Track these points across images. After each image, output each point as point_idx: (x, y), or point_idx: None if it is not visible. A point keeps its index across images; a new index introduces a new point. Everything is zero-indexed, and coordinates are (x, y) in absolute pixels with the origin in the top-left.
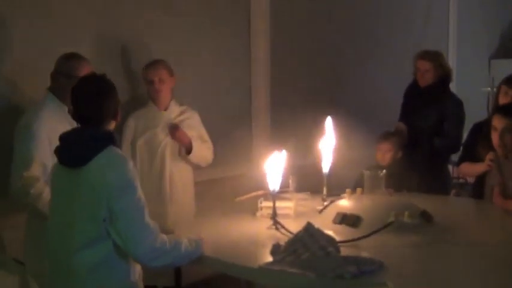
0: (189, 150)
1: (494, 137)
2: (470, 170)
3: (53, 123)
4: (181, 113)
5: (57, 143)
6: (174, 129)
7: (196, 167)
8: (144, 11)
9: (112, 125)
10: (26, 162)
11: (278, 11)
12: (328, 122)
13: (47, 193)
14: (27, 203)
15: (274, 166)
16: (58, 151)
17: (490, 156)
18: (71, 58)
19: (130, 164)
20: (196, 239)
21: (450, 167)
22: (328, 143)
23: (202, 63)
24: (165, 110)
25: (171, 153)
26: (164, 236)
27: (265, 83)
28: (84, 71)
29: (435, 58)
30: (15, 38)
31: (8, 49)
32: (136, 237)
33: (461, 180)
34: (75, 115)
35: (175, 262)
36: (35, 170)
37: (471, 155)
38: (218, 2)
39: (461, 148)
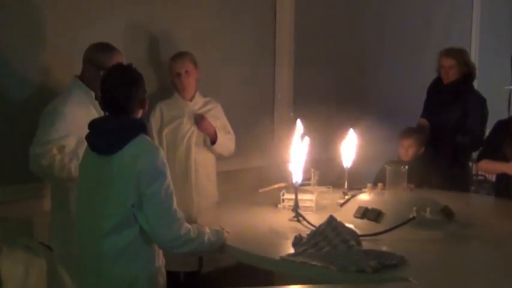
0: (213, 141)
1: None
2: (492, 168)
3: (79, 109)
4: (205, 104)
5: (82, 127)
6: (200, 119)
7: (219, 157)
8: (171, 2)
9: (139, 114)
10: (40, 141)
11: (303, 3)
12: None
13: (58, 159)
14: (44, 175)
15: (296, 158)
16: (89, 138)
17: None
18: (103, 50)
19: (161, 152)
20: (218, 229)
21: (470, 164)
22: (351, 138)
23: (227, 55)
24: (191, 100)
25: (196, 143)
26: (188, 225)
27: (288, 75)
28: (114, 61)
29: (459, 55)
30: (46, 27)
31: (39, 38)
32: (163, 224)
33: (480, 177)
34: (104, 103)
35: (198, 250)
36: (48, 147)
37: (492, 152)
38: None
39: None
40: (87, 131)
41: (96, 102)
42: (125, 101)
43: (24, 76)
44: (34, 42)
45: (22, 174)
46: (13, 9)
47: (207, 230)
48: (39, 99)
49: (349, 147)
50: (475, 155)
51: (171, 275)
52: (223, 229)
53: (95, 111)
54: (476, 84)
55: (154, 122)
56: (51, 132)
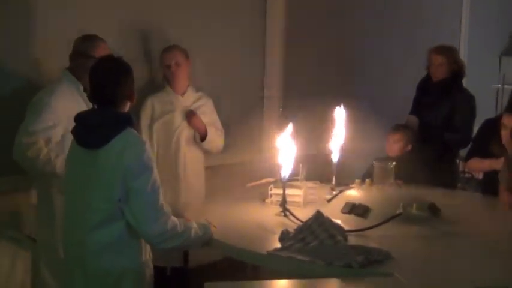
0: (203, 137)
1: (504, 135)
2: (480, 166)
3: (67, 100)
4: (197, 99)
5: (69, 118)
6: (191, 116)
7: (206, 152)
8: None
9: (127, 107)
10: (26, 131)
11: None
12: (339, 112)
13: (44, 153)
14: (28, 166)
15: (285, 154)
16: (75, 132)
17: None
18: (88, 38)
19: (148, 146)
20: (205, 224)
21: (458, 161)
22: (339, 133)
23: (217, 51)
24: (182, 95)
25: (186, 138)
26: (175, 219)
27: (278, 71)
28: (100, 51)
29: (449, 53)
30: (35, 19)
31: (29, 31)
32: (149, 218)
33: (467, 175)
34: (93, 96)
35: (185, 245)
36: (33, 138)
37: (480, 150)
38: None
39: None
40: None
41: (85, 95)
42: (112, 93)
43: (12, 68)
44: (23, 34)
45: (9, 166)
46: (1, 1)
47: (194, 224)
48: (27, 90)
49: (337, 142)
50: (462, 152)
51: (157, 270)
52: (210, 223)
53: (83, 104)
54: (465, 82)
55: (144, 117)
56: (38, 123)
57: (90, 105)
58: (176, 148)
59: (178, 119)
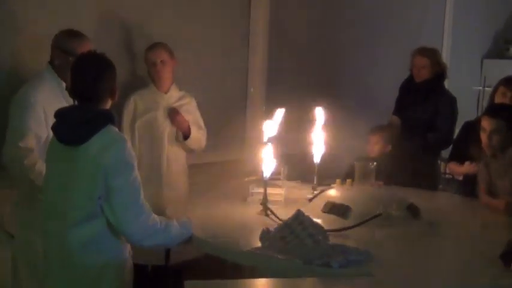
0: (186, 136)
1: (483, 137)
2: (457, 170)
3: (50, 97)
4: (181, 98)
5: (51, 116)
6: (174, 114)
7: (190, 151)
8: None
9: (108, 104)
10: (20, 133)
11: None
12: (320, 112)
13: (39, 165)
14: (20, 174)
15: (267, 153)
16: (55, 128)
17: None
18: (73, 36)
19: (128, 143)
20: (185, 220)
21: (439, 162)
22: (320, 133)
23: (201, 49)
24: (166, 93)
25: (169, 137)
26: (156, 217)
27: (261, 70)
28: (83, 49)
29: (432, 55)
30: (18, 13)
31: (11, 24)
32: (129, 216)
33: (448, 176)
34: (74, 92)
35: (166, 243)
36: (29, 141)
37: (460, 152)
38: None
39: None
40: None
41: (66, 93)
42: (94, 89)
43: None
44: (4, 26)
45: None
46: None
47: (175, 222)
48: (9, 83)
49: (319, 142)
50: (444, 153)
51: (138, 268)
52: (190, 220)
53: (64, 101)
54: (447, 83)
55: (127, 114)
56: (28, 118)
57: (72, 103)
58: (159, 146)
59: (162, 117)
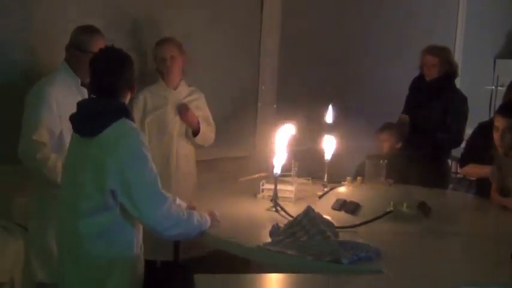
0: (195, 132)
1: (495, 136)
2: (476, 172)
3: (64, 93)
4: (190, 93)
5: (65, 111)
6: (183, 110)
7: (198, 147)
8: None
9: (127, 97)
10: (34, 127)
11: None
12: (331, 110)
13: (52, 159)
14: (33, 167)
15: (278, 149)
16: (73, 119)
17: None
18: (86, 32)
19: (143, 135)
20: (203, 214)
21: (450, 161)
22: (330, 131)
23: (212, 45)
24: (175, 89)
25: (178, 133)
26: (178, 205)
27: (273, 67)
28: (98, 45)
29: (443, 53)
30: (34, 13)
31: (27, 24)
32: (151, 204)
33: (459, 175)
34: (93, 86)
35: (188, 232)
36: (43, 136)
37: (473, 154)
38: None
39: (463, 144)
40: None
41: (82, 88)
42: (113, 84)
43: (9, 57)
44: (19, 23)
45: (2, 155)
46: None
47: (195, 211)
48: (25, 80)
49: (330, 140)
50: (454, 152)
51: (147, 264)
52: (212, 214)
53: (79, 96)
54: (459, 83)
55: (136, 111)
56: (42, 112)
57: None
58: (168, 144)
59: (171, 113)
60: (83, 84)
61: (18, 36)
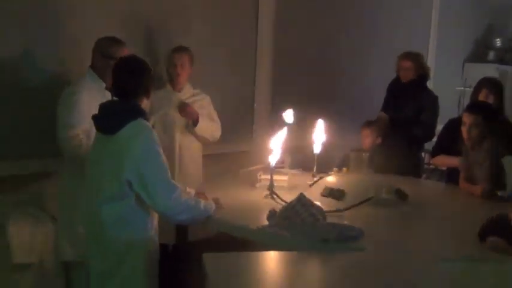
0: (194, 123)
1: (463, 131)
2: (447, 162)
3: (91, 95)
4: (194, 95)
5: (91, 112)
6: (183, 106)
7: (204, 142)
8: (166, 2)
9: (143, 101)
10: (70, 122)
11: (284, 8)
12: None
13: (84, 145)
14: (71, 152)
15: (273, 145)
16: (95, 119)
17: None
18: (112, 41)
19: (155, 133)
20: (207, 201)
21: (423, 154)
22: (319, 128)
23: (215, 52)
24: (179, 91)
25: (180, 129)
26: (187, 193)
27: (267, 71)
28: (121, 54)
29: (416, 58)
30: (61, 23)
31: (56, 37)
32: (163, 193)
33: (431, 166)
34: (115, 89)
35: (196, 217)
36: (76, 130)
37: (444, 147)
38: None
39: (435, 138)
40: None
41: (106, 92)
42: (132, 87)
43: (41, 65)
44: (51, 37)
45: (35, 150)
46: (34, 6)
47: (202, 199)
48: (55, 85)
49: (319, 135)
50: (427, 146)
51: (160, 248)
52: (216, 200)
53: (104, 99)
54: (431, 84)
55: None
56: (75, 115)
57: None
58: (170, 135)
59: (173, 111)
60: (107, 88)
61: (49, 46)
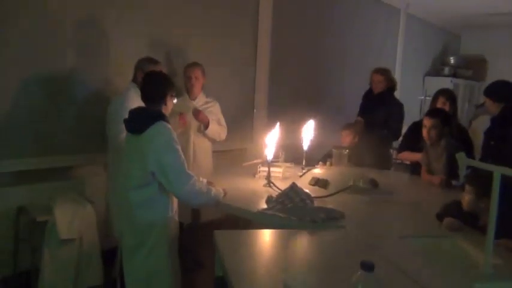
0: (206, 127)
1: (424, 132)
2: (411, 157)
3: (132, 103)
4: (206, 102)
5: None
6: (197, 112)
7: (213, 141)
8: (181, 25)
9: (166, 108)
10: (118, 125)
11: (277, 27)
12: (309, 113)
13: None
14: (117, 147)
15: (269, 143)
16: (126, 122)
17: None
18: (149, 61)
19: (173, 133)
20: (218, 189)
21: (391, 151)
22: (308, 129)
23: (221, 66)
24: (194, 99)
25: (194, 130)
26: (201, 182)
27: (265, 81)
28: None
29: (386, 73)
30: (104, 49)
31: (101, 58)
32: (181, 181)
33: (398, 161)
34: (142, 96)
35: (207, 202)
36: (123, 134)
37: (408, 145)
38: (230, 16)
39: (401, 138)
40: None
41: None
42: (155, 96)
43: (90, 83)
44: (99, 58)
45: (78, 146)
46: (82, 35)
47: (212, 187)
48: (101, 96)
49: (308, 134)
50: (395, 144)
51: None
52: (224, 190)
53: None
54: (398, 94)
55: None
56: (121, 120)
57: None
58: (186, 137)
59: (189, 116)
60: None
61: (97, 66)
